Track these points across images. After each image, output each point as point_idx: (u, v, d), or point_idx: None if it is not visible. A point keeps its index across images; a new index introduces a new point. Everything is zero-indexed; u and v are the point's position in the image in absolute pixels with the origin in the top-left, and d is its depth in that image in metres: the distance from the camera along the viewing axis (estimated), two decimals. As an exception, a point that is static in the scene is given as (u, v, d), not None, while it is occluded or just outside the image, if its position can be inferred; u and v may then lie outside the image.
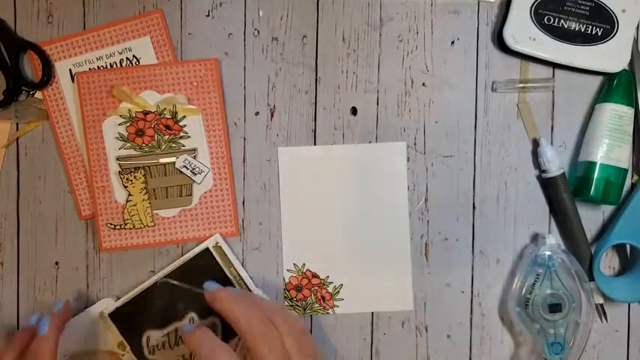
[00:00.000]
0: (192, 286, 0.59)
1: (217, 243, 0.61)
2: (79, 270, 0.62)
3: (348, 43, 0.62)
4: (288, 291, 0.62)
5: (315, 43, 0.62)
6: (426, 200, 0.62)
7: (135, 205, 0.60)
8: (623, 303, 0.62)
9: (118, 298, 0.61)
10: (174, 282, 0.59)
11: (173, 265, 0.61)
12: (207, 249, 0.61)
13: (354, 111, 0.62)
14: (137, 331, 0.60)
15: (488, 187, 0.62)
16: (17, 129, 0.62)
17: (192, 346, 0.51)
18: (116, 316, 0.60)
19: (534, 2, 0.59)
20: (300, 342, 0.51)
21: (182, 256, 0.61)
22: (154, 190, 0.60)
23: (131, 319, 0.60)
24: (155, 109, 0.60)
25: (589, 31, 0.60)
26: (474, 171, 0.62)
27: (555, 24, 0.60)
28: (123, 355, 0.61)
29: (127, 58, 0.61)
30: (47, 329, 0.53)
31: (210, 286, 0.54)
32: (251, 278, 0.61)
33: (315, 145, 0.62)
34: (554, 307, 0.59)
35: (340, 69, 0.62)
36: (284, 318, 0.52)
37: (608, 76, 0.61)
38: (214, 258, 0.61)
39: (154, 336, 0.60)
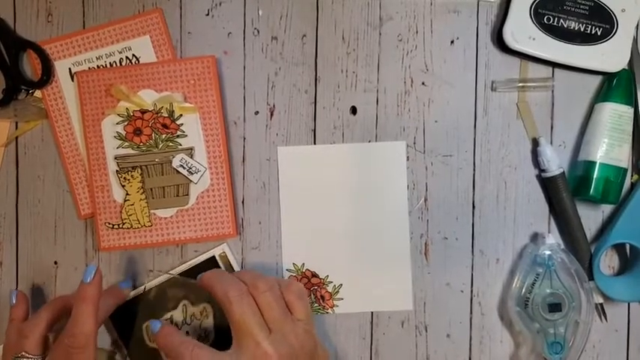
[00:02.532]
0: (183, 277, 0.60)
1: (223, 252, 0.61)
2: (78, 269, 0.62)
3: (347, 42, 0.62)
4: (288, 290, 0.62)
5: (315, 43, 0.62)
6: (425, 200, 0.62)
7: (132, 205, 0.60)
8: (622, 302, 0.62)
9: None
10: (167, 273, 0.60)
11: (177, 269, 0.61)
12: (213, 257, 0.61)
13: (353, 110, 0.62)
14: (133, 328, 0.61)
15: (488, 186, 0.62)
16: (16, 128, 0.62)
17: (159, 345, 0.54)
18: (114, 314, 0.60)
19: (534, 2, 0.59)
20: (280, 302, 0.53)
21: (182, 256, 0.62)
22: (151, 189, 0.60)
23: (130, 318, 0.61)
24: (152, 108, 0.60)
25: (588, 31, 0.60)
26: (474, 170, 0.62)
27: (555, 23, 0.60)
28: (116, 353, 0.61)
29: (127, 57, 0.61)
30: (93, 278, 0.53)
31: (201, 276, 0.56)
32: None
33: (314, 144, 0.62)
34: (554, 307, 0.59)
35: (340, 68, 0.62)
36: (264, 282, 0.53)
37: (608, 76, 0.61)
38: (219, 267, 0.61)
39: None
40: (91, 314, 0.52)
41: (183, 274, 0.61)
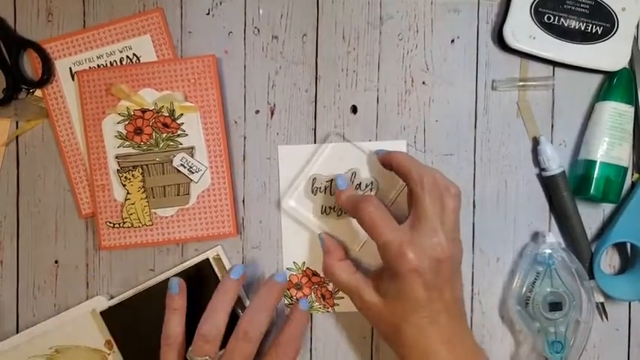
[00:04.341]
0: (358, 145, 0.61)
1: (217, 255, 0.61)
2: (78, 268, 0.62)
3: (348, 41, 0.62)
4: (289, 289, 0.62)
5: (315, 42, 0.62)
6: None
7: (133, 204, 0.60)
8: (623, 301, 0.62)
9: (112, 297, 0.61)
10: (343, 138, 0.61)
11: (171, 271, 0.61)
12: (207, 259, 0.61)
13: (354, 109, 0.62)
14: (128, 332, 0.60)
15: (488, 185, 0.62)
16: (17, 127, 0.62)
17: (341, 202, 0.57)
18: (108, 314, 0.60)
19: (534, 1, 0.59)
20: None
21: (182, 255, 0.62)
22: (152, 188, 0.60)
23: (123, 319, 0.60)
24: (153, 107, 0.60)
25: (589, 30, 0.60)
26: (474, 169, 0.62)
27: (555, 22, 0.60)
28: (109, 354, 0.61)
29: (128, 57, 0.61)
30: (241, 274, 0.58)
31: (382, 152, 0.58)
32: (247, 296, 0.61)
33: (315, 143, 0.62)
34: (555, 306, 0.59)
35: (340, 67, 0.62)
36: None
37: (609, 75, 0.61)
38: (213, 269, 0.61)
39: (319, 178, 0.61)
40: (271, 307, 0.57)
41: (177, 276, 0.60)
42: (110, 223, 0.60)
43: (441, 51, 0.62)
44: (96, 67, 0.61)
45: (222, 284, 0.57)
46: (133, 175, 0.60)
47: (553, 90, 0.62)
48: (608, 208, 0.62)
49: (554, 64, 0.61)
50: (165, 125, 0.60)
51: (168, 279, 0.60)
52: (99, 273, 0.62)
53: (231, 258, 0.62)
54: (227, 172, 0.60)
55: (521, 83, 0.61)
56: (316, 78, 0.62)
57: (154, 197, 0.60)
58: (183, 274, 0.61)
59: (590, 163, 0.59)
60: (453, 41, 0.62)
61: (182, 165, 0.60)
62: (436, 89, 0.62)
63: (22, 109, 0.61)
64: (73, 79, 0.61)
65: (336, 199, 0.59)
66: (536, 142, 0.61)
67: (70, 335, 0.61)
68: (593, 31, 0.60)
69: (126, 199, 0.60)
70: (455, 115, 0.62)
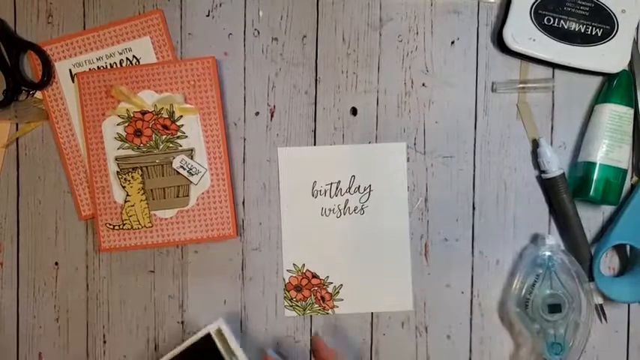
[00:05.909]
0: None
1: (219, 328, 0.59)
2: (78, 270, 0.62)
3: (348, 43, 0.62)
4: (288, 291, 0.62)
5: (315, 44, 0.62)
6: (425, 200, 0.62)
7: (133, 206, 0.60)
8: (622, 303, 0.62)
9: None
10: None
11: (174, 351, 0.59)
12: (208, 334, 0.58)
13: (354, 111, 0.62)
14: None
15: (488, 187, 0.62)
16: (17, 129, 0.62)
17: None
18: None
19: (534, 3, 0.59)
20: None
21: (182, 257, 0.62)
22: (152, 190, 0.60)
23: None
24: (153, 109, 0.60)
25: (589, 32, 0.60)
26: (474, 171, 0.62)
27: (555, 24, 0.60)
28: None
29: (127, 59, 0.61)
30: None
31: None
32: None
33: (315, 145, 0.62)
34: (554, 308, 0.59)
35: (340, 69, 0.62)
36: None
37: (608, 77, 0.61)
38: (215, 344, 0.58)
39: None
40: None
41: (180, 354, 0.58)
42: (110, 224, 0.60)
43: (440, 53, 0.62)
44: (96, 68, 0.61)
45: None
46: (132, 177, 0.60)
47: (553, 92, 0.62)
48: (607, 210, 0.62)
49: (554, 66, 0.61)
50: (165, 127, 0.60)
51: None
52: (99, 275, 0.62)
53: (231, 260, 0.62)
54: (227, 174, 0.60)
55: (521, 85, 0.61)
56: (316, 80, 0.62)
57: (153, 199, 0.60)
58: (185, 353, 0.58)
59: (590, 165, 0.59)
60: (452, 43, 0.62)
61: (182, 167, 0.60)
62: (436, 91, 0.62)
63: (22, 111, 0.61)
64: (73, 81, 0.61)
65: None
66: (535, 144, 0.61)
67: None
68: (593, 33, 0.60)
69: (125, 201, 0.60)
70: (455, 117, 0.62)
